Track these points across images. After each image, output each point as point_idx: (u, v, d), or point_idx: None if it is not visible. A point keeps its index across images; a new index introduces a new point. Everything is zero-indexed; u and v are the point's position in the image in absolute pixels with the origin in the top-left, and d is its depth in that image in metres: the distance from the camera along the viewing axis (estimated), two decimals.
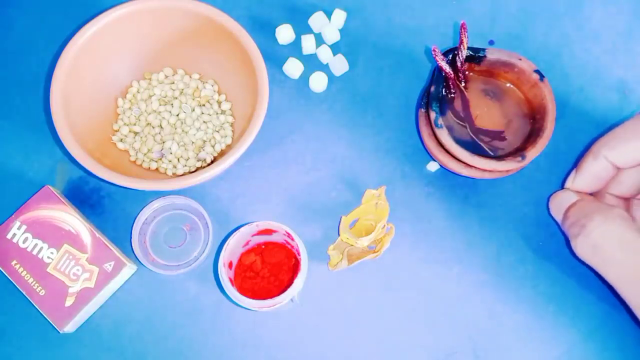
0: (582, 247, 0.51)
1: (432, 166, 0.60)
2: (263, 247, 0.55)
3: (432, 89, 0.55)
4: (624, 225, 0.50)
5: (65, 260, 0.54)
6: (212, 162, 0.59)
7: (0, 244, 0.55)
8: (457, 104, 0.57)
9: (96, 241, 0.55)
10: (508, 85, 0.58)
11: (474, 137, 0.56)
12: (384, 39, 0.63)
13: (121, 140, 0.59)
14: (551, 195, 0.56)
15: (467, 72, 0.57)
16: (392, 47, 0.63)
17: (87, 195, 0.59)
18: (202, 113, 0.59)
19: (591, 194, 0.56)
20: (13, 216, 0.55)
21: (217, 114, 0.60)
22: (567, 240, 0.58)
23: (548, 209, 0.57)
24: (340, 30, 0.63)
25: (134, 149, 0.59)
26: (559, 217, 0.55)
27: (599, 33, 0.63)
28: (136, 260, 0.57)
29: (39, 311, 0.54)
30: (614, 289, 0.51)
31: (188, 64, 0.60)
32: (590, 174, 0.54)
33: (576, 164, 0.60)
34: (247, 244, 0.54)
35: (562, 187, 0.57)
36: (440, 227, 0.59)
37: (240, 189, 0.59)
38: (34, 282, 0.54)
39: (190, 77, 0.60)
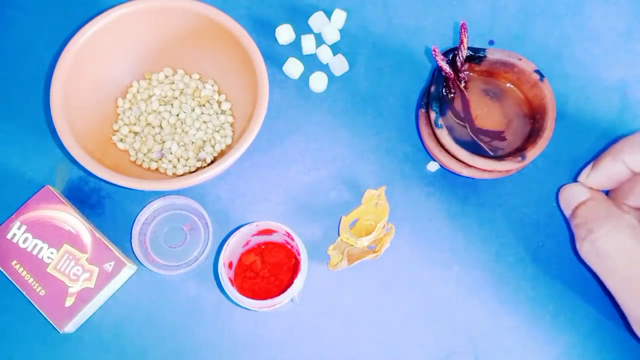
0: (587, 252, 0.51)
1: (432, 166, 0.60)
2: (263, 247, 0.55)
3: (432, 89, 0.55)
4: (632, 236, 0.49)
5: (65, 261, 0.54)
6: (212, 162, 0.59)
7: (0, 244, 0.55)
8: (457, 104, 0.57)
9: (96, 241, 0.55)
10: (508, 85, 0.58)
11: (474, 137, 0.56)
12: (384, 39, 0.63)
13: (121, 140, 0.59)
14: (562, 186, 0.55)
15: (467, 72, 0.57)
16: (392, 47, 0.63)
17: (87, 195, 0.59)
18: (202, 113, 0.59)
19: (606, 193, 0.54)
20: (13, 216, 0.55)
21: (217, 114, 0.60)
22: (571, 236, 0.58)
23: (557, 200, 0.56)
24: (340, 30, 0.63)
25: (134, 149, 0.59)
26: (567, 212, 0.54)
27: (599, 33, 0.63)
28: (136, 260, 0.57)
29: (39, 311, 0.54)
30: (612, 295, 0.51)
31: (188, 64, 0.60)
32: (605, 174, 0.53)
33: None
34: (247, 244, 0.54)
35: (574, 179, 0.56)
36: (440, 227, 0.59)
37: (240, 189, 0.59)
38: (34, 282, 0.54)
39: (190, 77, 0.60)
